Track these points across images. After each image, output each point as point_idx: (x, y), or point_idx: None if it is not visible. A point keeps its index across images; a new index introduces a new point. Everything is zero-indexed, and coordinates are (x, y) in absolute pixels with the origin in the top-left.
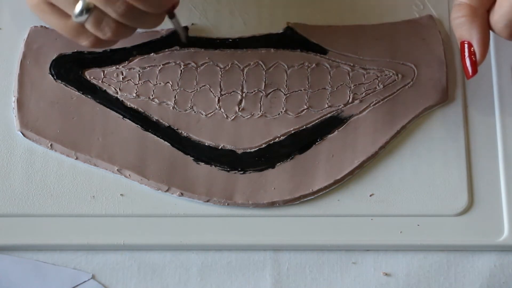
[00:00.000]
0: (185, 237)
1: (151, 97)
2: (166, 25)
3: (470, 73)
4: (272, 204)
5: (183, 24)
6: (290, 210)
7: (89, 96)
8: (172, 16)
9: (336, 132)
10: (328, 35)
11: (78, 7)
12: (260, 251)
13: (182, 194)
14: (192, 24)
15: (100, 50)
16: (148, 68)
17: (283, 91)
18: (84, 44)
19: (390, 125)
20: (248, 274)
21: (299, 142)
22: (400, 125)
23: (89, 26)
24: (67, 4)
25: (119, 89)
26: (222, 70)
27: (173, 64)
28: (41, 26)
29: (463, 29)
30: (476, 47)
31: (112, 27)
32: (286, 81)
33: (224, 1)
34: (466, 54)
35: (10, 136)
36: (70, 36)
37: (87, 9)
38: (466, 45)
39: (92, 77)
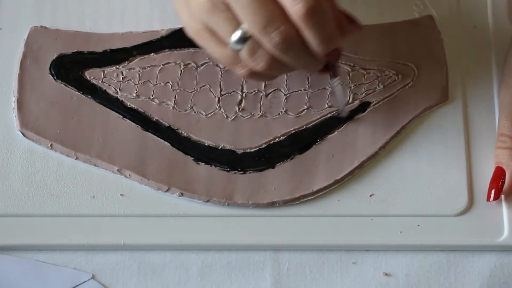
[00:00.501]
0: (185, 237)
1: (151, 97)
2: (166, 25)
3: (492, 198)
4: (272, 204)
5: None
6: (290, 210)
7: (89, 96)
8: (335, 73)
9: (336, 132)
10: None
11: (236, 35)
12: (260, 251)
13: (182, 194)
14: None
15: (100, 50)
16: (148, 68)
17: (283, 91)
18: (239, 74)
19: (390, 125)
20: (248, 274)
21: (299, 142)
22: (400, 125)
23: (242, 55)
24: (226, 32)
25: (119, 89)
26: (222, 70)
27: (173, 64)
28: (41, 26)
29: (504, 158)
30: (508, 179)
31: (265, 58)
32: (286, 81)
33: None
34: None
35: (10, 136)
36: (226, 64)
37: (244, 38)
38: (501, 172)
39: (92, 77)
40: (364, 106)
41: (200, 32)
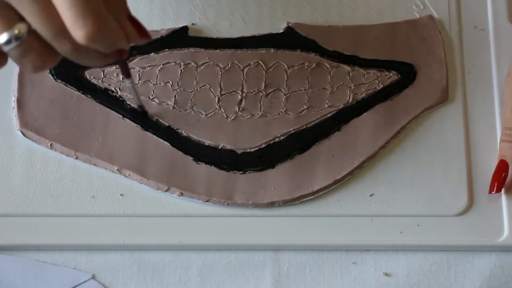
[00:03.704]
0: (185, 237)
1: (151, 97)
2: (166, 25)
3: (494, 191)
4: (272, 204)
5: (183, 24)
6: (290, 210)
7: (89, 96)
8: (128, 74)
9: (336, 132)
10: (328, 35)
11: (5, 36)
12: (260, 251)
13: (182, 194)
14: (192, 24)
15: None
16: (148, 68)
17: (283, 91)
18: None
19: (390, 125)
20: (248, 274)
21: (299, 142)
22: (400, 125)
23: (13, 55)
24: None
25: (119, 88)
26: (222, 70)
27: (173, 64)
28: None
29: (508, 151)
30: (511, 172)
31: (37, 62)
32: (286, 81)
33: (224, 1)
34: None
35: (10, 136)
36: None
37: (11, 40)
38: (504, 165)
39: (92, 77)
40: (364, 106)
41: None
